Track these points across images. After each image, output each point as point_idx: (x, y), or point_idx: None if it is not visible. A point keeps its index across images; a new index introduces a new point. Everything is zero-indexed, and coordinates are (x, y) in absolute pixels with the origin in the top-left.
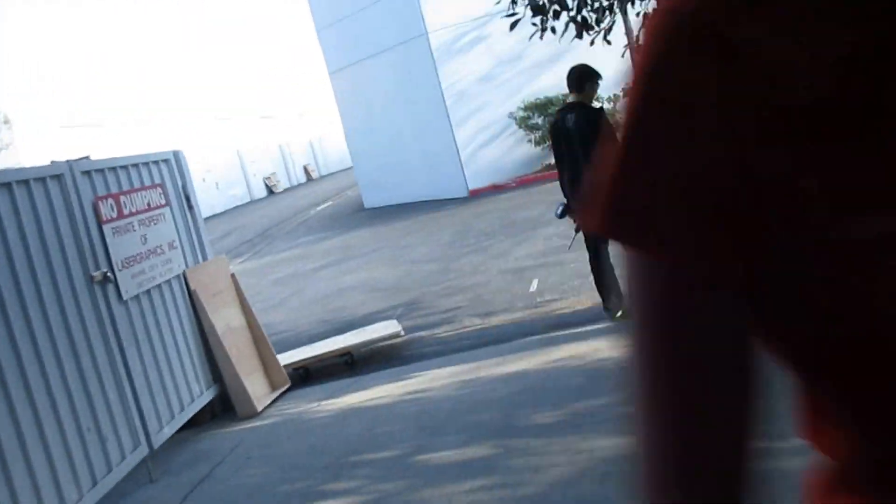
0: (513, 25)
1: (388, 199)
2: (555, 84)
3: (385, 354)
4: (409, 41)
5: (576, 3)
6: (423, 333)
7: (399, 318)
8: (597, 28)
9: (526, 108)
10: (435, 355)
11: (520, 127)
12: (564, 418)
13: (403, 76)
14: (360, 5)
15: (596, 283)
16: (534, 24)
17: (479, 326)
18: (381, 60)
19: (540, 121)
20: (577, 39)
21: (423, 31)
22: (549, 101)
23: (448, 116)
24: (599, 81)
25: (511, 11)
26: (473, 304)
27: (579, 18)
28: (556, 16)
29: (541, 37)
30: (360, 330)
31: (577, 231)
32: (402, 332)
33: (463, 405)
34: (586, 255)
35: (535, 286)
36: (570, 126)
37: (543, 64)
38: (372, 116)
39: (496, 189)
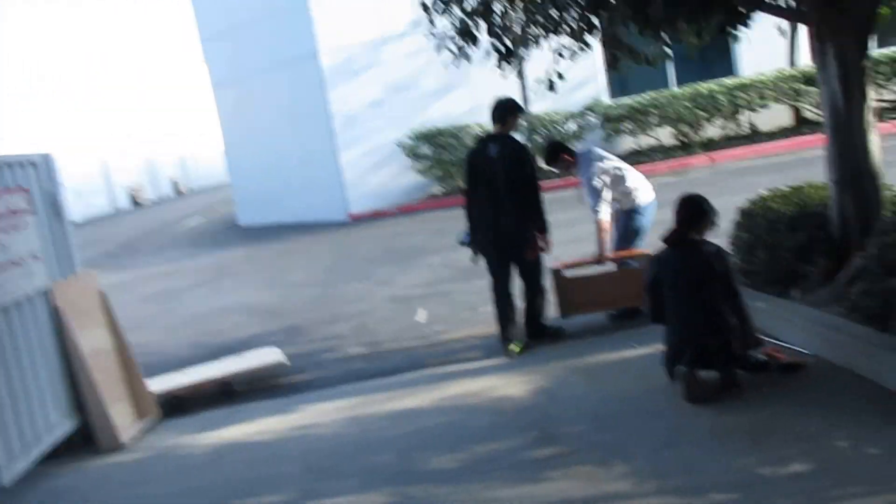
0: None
1: (265, 219)
2: (445, 114)
3: (265, 383)
4: (300, 60)
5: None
6: (305, 362)
7: (279, 345)
8: (516, 58)
9: (415, 137)
10: (319, 386)
11: (407, 155)
12: (465, 463)
13: (292, 95)
14: (250, 19)
15: (497, 313)
16: (450, 51)
17: (366, 356)
18: (269, 77)
19: (428, 150)
20: (471, 69)
21: (314, 50)
22: (438, 132)
23: (335, 139)
24: (521, 115)
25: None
26: (358, 333)
27: (502, 47)
28: (475, 41)
29: (458, 63)
30: (240, 356)
31: (474, 260)
32: (287, 362)
33: (353, 445)
34: (473, 287)
35: (423, 316)
36: (492, 155)
37: (435, 94)
38: (255, 133)
39: (378, 215)
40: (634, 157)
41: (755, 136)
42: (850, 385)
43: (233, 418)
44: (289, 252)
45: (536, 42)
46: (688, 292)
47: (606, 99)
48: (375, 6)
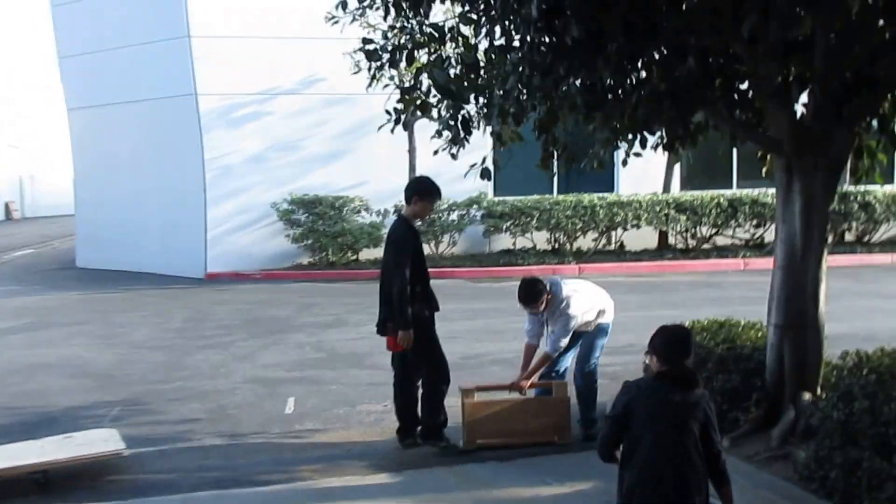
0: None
1: (108, 262)
2: (327, 182)
3: (93, 475)
4: (175, 98)
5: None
6: (148, 453)
7: (116, 421)
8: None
9: (292, 202)
10: (166, 488)
11: (280, 219)
12: None
13: (161, 134)
14: (121, 43)
15: (397, 407)
16: (388, 112)
17: (225, 450)
18: (136, 109)
19: (303, 217)
20: (359, 138)
21: (192, 91)
22: (318, 200)
23: (204, 189)
24: (431, 200)
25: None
26: (215, 418)
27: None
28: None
29: (392, 130)
30: (66, 439)
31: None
32: (125, 450)
33: None
34: (347, 376)
35: (292, 406)
36: (386, 238)
37: (320, 159)
38: (112, 166)
39: (238, 277)
40: (509, 258)
41: (622, 253)
42: None
43: None
44: (133, 305)
45: (477, 126)
46: (666, 433)
47: (491, 194)
48: (270, 58)
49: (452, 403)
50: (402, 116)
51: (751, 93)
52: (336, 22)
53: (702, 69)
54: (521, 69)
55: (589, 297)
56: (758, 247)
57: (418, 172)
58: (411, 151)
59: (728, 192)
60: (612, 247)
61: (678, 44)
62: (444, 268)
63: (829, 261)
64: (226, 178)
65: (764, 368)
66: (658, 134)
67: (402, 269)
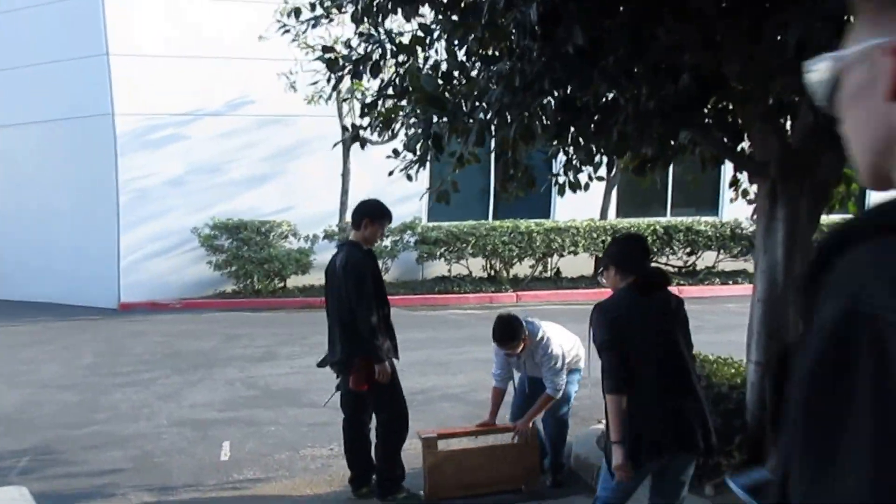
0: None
1: (11, 291)
2: (254, 206)
3: None
4: (91, 118)
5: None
6: None
7: (24, 475)
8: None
9: (214, 227)
10: None
11: (202, 245)
12: None
13: (73, 153)
14: (31, 61)
15: (347, 453)
16: (345, 129)
17: None
18: (46, 128)
19: (227, 243)
20: (287, 160)
21: (109, 111)
22: (243, 225)
23: (118, 214)
24: (382, 223)
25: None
26: (141, 468)
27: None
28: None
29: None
30: None
31: (338, 388)
32: None
33: None
34: (285, 416)
35: (228, 452)
36: (336, 266)
37: (245, 182)
38: (16, 187)
39: (155, 307)
40: (444, 285)
41: (559, 280)
42: None
43: None
44: (38, 339)
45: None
46: (662, 347)
47: (425, 219)
48: (196, 77)
49: (408, 446)
50: (365, 131)
51: (735, 114)
52: (289, 33)
53: (697, 87)
54: (508, 81)
55: (561, 336)
56: (690, 274)
57: (352, 197)
58: (345, 175)
59: (663, 220)
60: (549, 274)
61: (672, 61)
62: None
63: None
64: (143, 201)
65: (744, 408)
66: (624, 156)
67: (368, 297)
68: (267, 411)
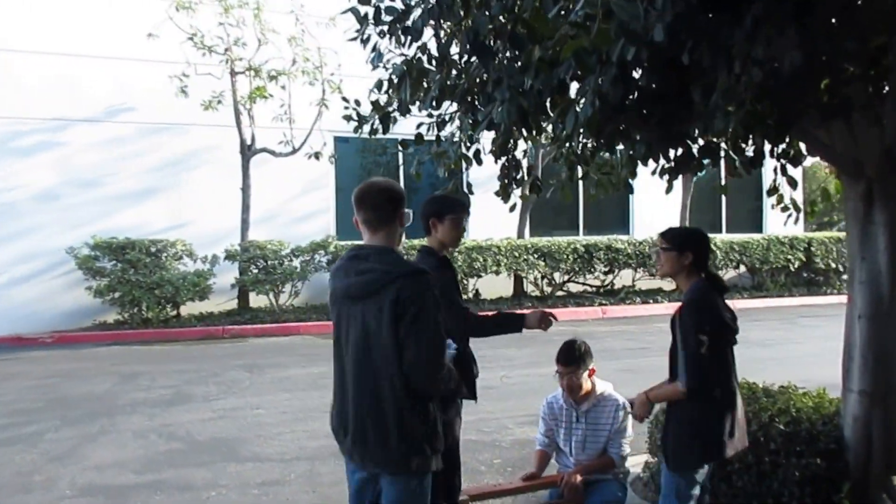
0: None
1: None
2: (141, 223)
3: None
4: None
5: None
6: None
7: None
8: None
9: (95, 247)
10: None
11: (80, 268)
12: None
13: None
14: None
15: None
16: (357, 117)
17: None
18: None
19: (110, 265)
20: (181, 171)
21: None
22: (129, 244)
23: None
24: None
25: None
26: None
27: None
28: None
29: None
30: None
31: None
32: None
33: None
34: (225, 474)
35: None
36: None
37: (131, 196)
38: None
39: (21, 342)
40: None
41: (479, 301)
42: None
43: None
44: None
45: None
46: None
47: (337, 238)
48: (72, 78)
49: None
50: (360, 131)
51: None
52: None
53: (808, 65)
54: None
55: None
56: (609, 293)
57: (253, 212)
58: (245, 189)
59: (583, 239)
60: (469, 294)
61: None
62: (287, 322)
63: None
64: (6, 217)
65: (841, 448)
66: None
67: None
68: (200, 470)
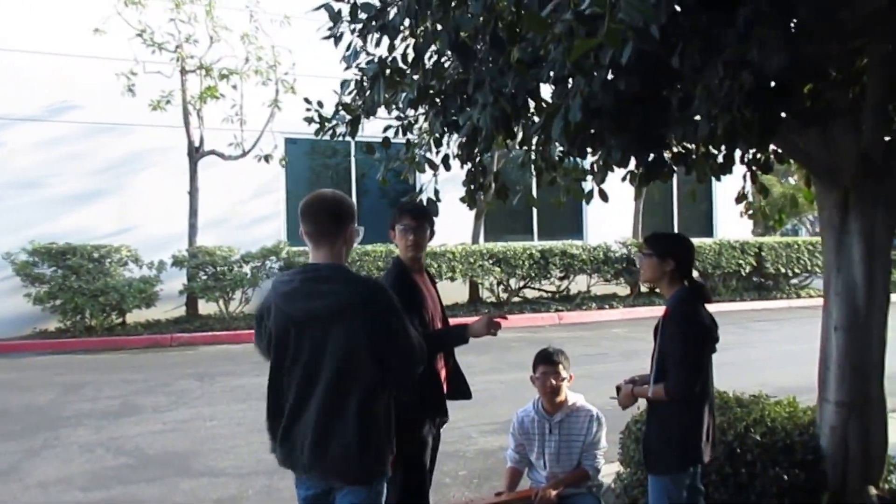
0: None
1: None
2: (84, 227)
3: None
4: None
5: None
6: None
7: None
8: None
9: (34, 252)
10: None
11: (17, 274)
12: None
13: None
14: None
15: None
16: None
17: None
18: None
19: (50, 271)
20: (127, 174)
21: None
22: (71, 249)
23: None
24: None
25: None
26: None
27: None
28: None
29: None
30: None
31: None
32: None
33: None
34: (178, 491)
35: None
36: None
37: (74, 199)
38: None
39: None
40: None
41: None
42: None
43: None
44: None
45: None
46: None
47: (286, 242)
48: (8, 74)
49: None
50: (325, 133)
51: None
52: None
53: (793, 68)
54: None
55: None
56: (565, 299)
57: (201, 217)
58: (193, 193)
59: (538, 244)
60: None
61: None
62: (238, 330)
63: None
64: None
65: (818, 458)
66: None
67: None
68: (151, 486)
